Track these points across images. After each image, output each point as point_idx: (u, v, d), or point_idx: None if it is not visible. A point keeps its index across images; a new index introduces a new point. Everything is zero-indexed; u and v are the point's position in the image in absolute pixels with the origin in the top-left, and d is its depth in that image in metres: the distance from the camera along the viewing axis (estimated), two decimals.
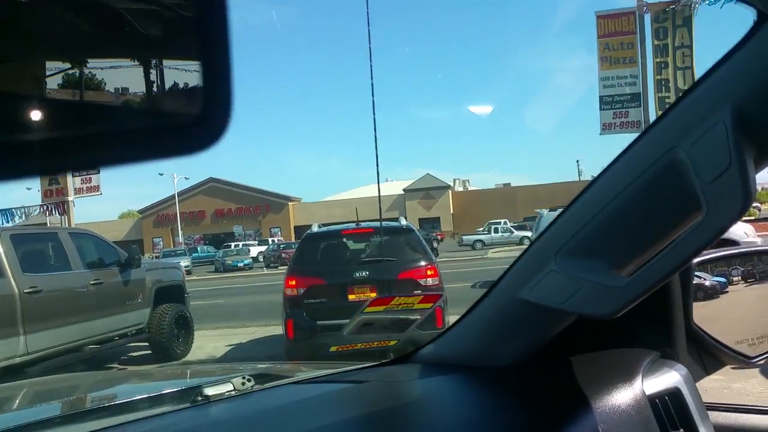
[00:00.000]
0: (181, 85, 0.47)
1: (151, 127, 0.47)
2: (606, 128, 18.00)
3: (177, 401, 1.19)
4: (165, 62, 0.47)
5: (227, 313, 12.76)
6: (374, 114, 2.71)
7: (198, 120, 0.47)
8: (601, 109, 18.03)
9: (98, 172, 18.97)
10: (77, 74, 0.44)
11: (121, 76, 0.45)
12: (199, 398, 1.12)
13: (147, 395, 1.32)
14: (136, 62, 0.46)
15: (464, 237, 40.47)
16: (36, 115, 0.43)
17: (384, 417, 1.07)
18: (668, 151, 0.81)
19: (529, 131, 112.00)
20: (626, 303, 0.88)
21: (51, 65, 0.44)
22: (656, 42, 17.39)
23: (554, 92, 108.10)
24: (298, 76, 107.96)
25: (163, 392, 1.35)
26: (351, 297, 6.25)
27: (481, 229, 40.63)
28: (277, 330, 7.63)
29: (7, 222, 18.42)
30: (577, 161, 79.03)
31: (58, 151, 0.44)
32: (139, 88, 0.46)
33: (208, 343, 9.11)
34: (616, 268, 0.92)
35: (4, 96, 0.43)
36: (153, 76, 0.46)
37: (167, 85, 0.47)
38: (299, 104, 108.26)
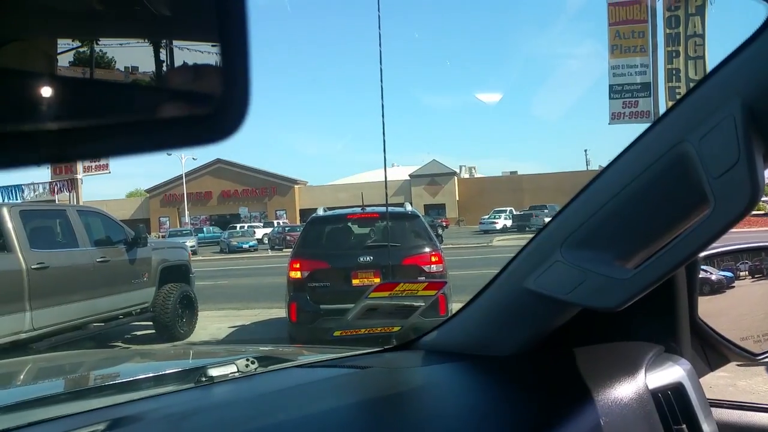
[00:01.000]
0: (197, 77, 0.47)
1: (169, 117, 0.47)
2: (615, 118, 17.86)
3: (181, 381, 1.20)
4: (180, 50, 0.46)
5: (231, 294, 12.84)
6: (382, 99, 2.69)
7: (216, 111, 0.47)
8: (610, 98, 17.89)
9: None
10: (87, 52, 0.44)
11: (132, 55, 0.45)
12: (203, 379, 1.13)
13: (151, 374, 1.34)
14: (149, 44, 0.45)
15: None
16: (51, 103, 0.43)
17: (386, 403, 1.08)
18: (676, 144, 0.80)
19: (538, 119, 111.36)
20: (631, 296, 0.88)
21: (62, 42, 0.44)
22: (668, 31, 17.17)
23: (563, 80, 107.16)
24: (305, 58, 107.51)
25: (167, 372, 1.37)
26: (355, 282, 6.27)
27: (487, 217, 40.53)
28: (281, 313, 7.67)
29: (16, 198, 18.53)
30: (585, 151, 78.76)
31: (72, 139, 0.44)
32: (153, 73, 0.46)
33: (212, 324, 9.18)
34: (621, 260, 0.92)
35: (16, 79, 0.42)
36: (167, 63, 0.46)
37: (184, 77, 0.47)
38: (307, 87, 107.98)
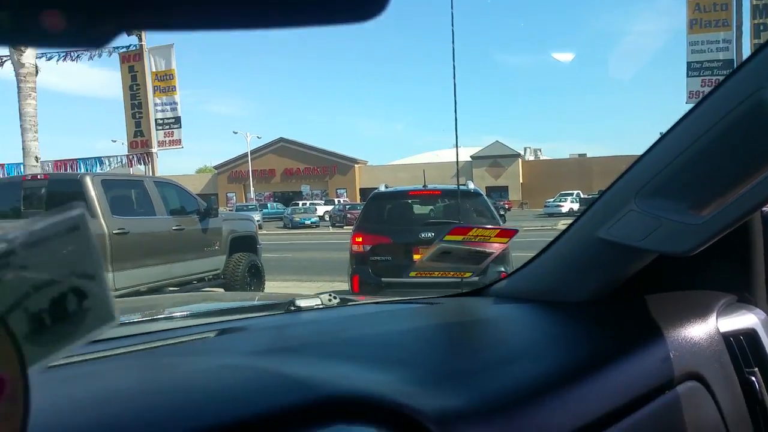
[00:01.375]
0: None
1: None
2: (693, 96, 16.86)
3: (272, 310, 1.32)
4: None
5: (295, 267, 13.23)
6: (454, 70, 2.69)
7: None
8: (688, 76, 16.91)
9: (179, 126, 19.75)
10: None
11: None
12: (292, 308, 1.24)
13: (244, 305, 1.47)
14: None
15: None
16: None
17: (459, 327, 1.17)
18: (754, 92, 0.81)
19: (609, 98, 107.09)
20: (704, 240, 0.90)
21: None
22: (755, 2, 15.96)
23: (638, 57, 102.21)
24: (367, 41, 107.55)
25: (258, 303, 1.51)
26: (416, 257, 6.34)
27: (552, 200, 39.56)
28: (344, 285, 7.86)
29: (96, 169, 19.65)
30: (661, 133, 74.67)
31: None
32: None
33: (278, 293, 9.52)
34: (696, 208, 0.93)
35: None
36: None
37: None
38: (367, 69, 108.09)
